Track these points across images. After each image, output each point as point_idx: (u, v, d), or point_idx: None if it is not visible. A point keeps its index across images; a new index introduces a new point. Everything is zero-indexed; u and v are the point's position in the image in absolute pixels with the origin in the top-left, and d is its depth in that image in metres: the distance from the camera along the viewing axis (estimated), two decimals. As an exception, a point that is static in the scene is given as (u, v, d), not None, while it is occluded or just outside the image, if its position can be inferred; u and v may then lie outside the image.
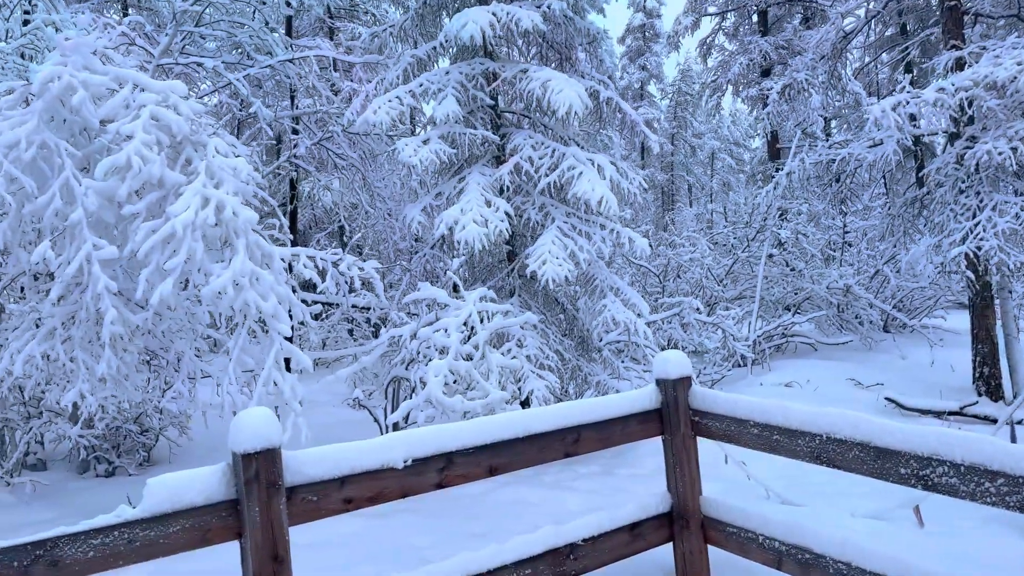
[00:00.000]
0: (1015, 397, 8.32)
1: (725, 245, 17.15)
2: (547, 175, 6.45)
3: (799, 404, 3.39)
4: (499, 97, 7.31)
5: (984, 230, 7.44)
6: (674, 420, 3.84)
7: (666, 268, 15.77)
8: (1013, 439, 5.48)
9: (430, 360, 4.80)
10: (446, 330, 4.71)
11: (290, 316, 4.53)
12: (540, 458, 3.47)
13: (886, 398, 9.09)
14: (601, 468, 6.62)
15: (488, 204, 6.14)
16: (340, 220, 12.47)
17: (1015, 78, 6.97)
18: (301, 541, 4.62)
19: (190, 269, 4.20)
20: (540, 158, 6.62)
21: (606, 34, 7.93)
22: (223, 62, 8.45)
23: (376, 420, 6.60)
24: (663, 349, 12.15)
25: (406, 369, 5.31)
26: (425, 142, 6.32)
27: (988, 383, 9.43)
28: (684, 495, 3.84)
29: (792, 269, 14.98)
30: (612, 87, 7.77)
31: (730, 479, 5.95)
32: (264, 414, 2.66)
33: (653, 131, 38.09)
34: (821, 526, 3.48)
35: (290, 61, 8.59)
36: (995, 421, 8.14)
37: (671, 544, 3.89)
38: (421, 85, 6.66)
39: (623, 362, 10.03)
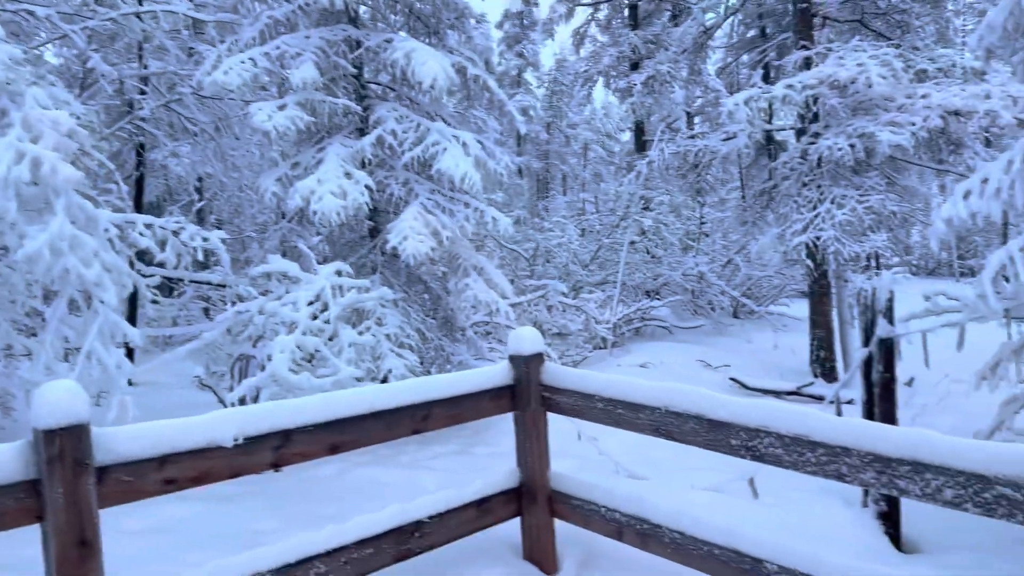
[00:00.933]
0: (845, 378, 8.99)
1: (592, 232, 17.59)
2: (411, 149, 6.31)
3: (644, 380, 3.46)
4: (364, 67, 7.07)
5: (823, 221, 7.96)
6: (525, 396, 3.84)
7: (535, 252, 15.97)
8: (838, 415, 5.90)
9: (279, 336, 4.58)
10: (295, 304, 4.50)
11: (135, 294, 4.18)
12: (387, 435, 3.37)
13: (731, 379, 9.60)
14: (460, 447, 6.59)
15: (348, 176, 5.93)
16: (193, 192, 11.77)
17: (855, 79, 7.47)
18: (128, 527, 4.31)
19: (2, 231, 3.77)
20: (404, 132, 6.46)
21: (476, 12, 7.85)
22: (58, 12, 7.71)
23: (222, 401, 6.28)
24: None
25: (254, 346, 5.06)
26: (281, 108, 6.02)
27: (823, 365, 10.15)
28: (533, 470, 3.85)
29: (652, 256, 15.56)
30: (481, 66, 7.70)
31: (583, 456, 6.06)
32: (69, 387, 2.41)
33: (529, 119, 38.45)
34: (661, 498, 3.58)
35: (136, 16, 7.95)
36: (828, 401, 8.77)
37: (519, 519, 3.90)
38: (278, 48, 6.33)
39: (489, 343, 10.05)
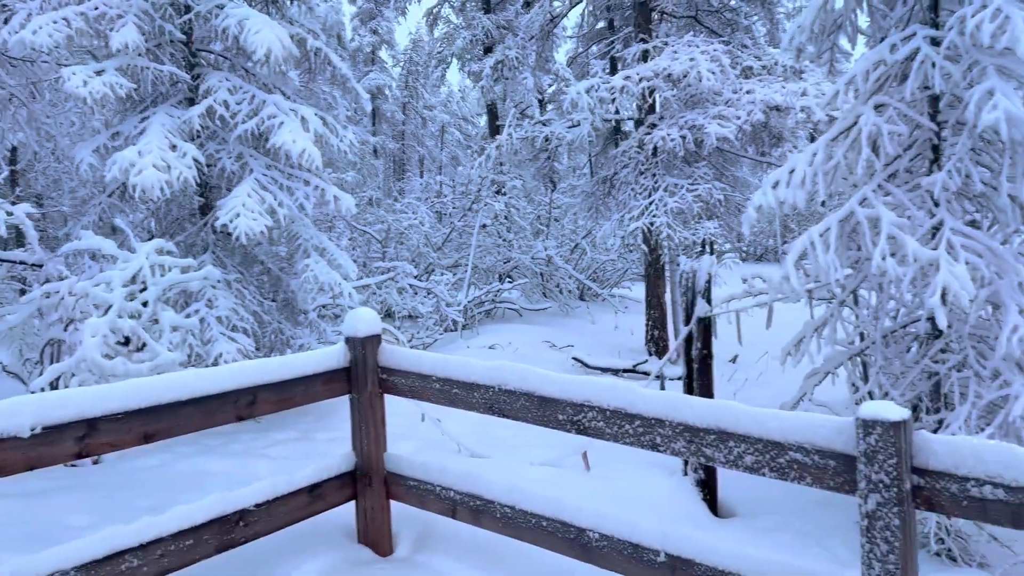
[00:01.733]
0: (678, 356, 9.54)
1: (446, 215, 17.58)
2: (245, 122, 6.01)
3: (478, 360, 3.51)
4: (194, 33, 6.65)
5: (657, 208, 8.38)
6: (362, 378, 3.78)
7: (387, 234, 15.75)
8: (662, 389, 6.24)
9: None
10: (108, 284, 4.18)
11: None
12: (209, 422, 3.21)
13: (573, 358, 9.93)
14: (299, 433, 6.41)
15: (173, 148, 5.56)
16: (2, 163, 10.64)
17: (687, 73, 7.88)
18: (-90, 533, 3.87)
19: None
20: (238, 103, 6.14)
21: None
22: None
23: (32, 391, 5.74)
24: (379, 314, 12.14)
25: (64, 330, 4.65)
26: (99, 72, 5.54)
27: (657, 344, 10.71)
28: (369, 453, 3.81)
29: (504, 240, 15.79)
30: (324, 39, 7.45)
31: (426, 437, 6.08)
32: None
33: (384, 98, 37.69)
34: (495, 475, 3.65)
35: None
36: (665, 377, 9.28)
37: (354, 502, 3.85)
38: (96, 8, 5.82)
39: (336, 327, 9.82)
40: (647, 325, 10.86)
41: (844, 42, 4.64)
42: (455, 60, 23.13)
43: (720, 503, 4.80)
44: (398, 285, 11.73)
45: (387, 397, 3.84)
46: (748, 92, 8.23)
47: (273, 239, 6.85)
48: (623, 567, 3.06)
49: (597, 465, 5.30)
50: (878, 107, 3.99)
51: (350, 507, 3.87)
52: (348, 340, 3.79)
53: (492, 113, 21.81)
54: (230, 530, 3.27)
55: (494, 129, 22.54)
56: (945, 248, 3.59)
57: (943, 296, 3.48)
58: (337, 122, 7.00)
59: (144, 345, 4.36)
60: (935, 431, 4.20)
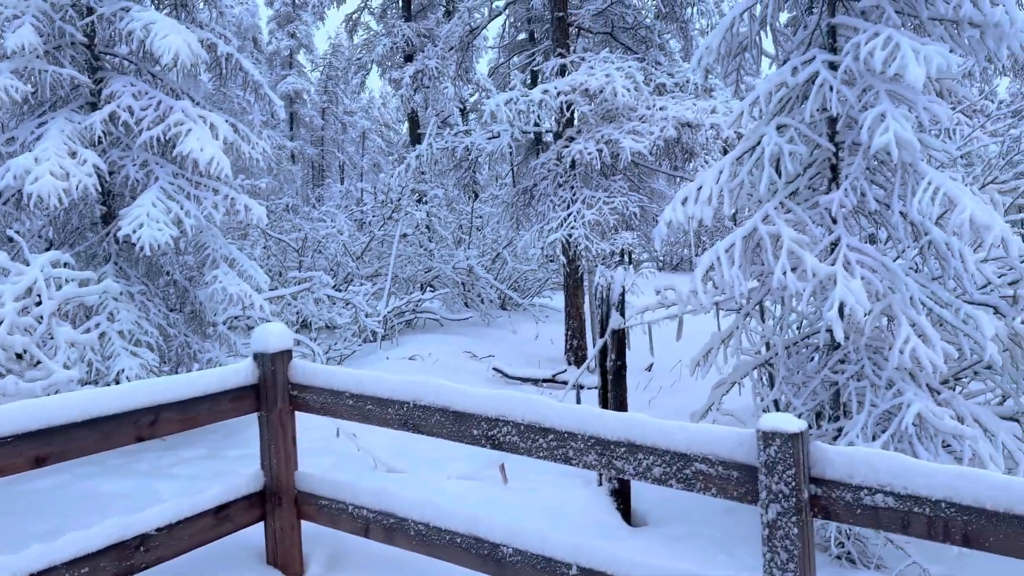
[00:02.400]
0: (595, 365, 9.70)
1: (367, 223, 17.34)
2: (150, 128, 5.79)
3: (393, 375, 3.47)
4: (97, 36, 6.37)
5: (575, 220, 8.50)
6: (271, 396, 3.69)
7: (304, 242, 15.43)
8: (578, 400, 6.33)
9: (-19, 335, 3.99)
10: (-1, 298, 3.95)
11: None
12: (106, 444, 3.07)
13: (494, 368, 9.95)
14: (208, 450, 6.20)
15: (73, 155, 5.30)
16: None
17: (603, 88, 8.03)
18: None
19: None
20: (143, 109, 5.91)
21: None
22: None
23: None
24: (296, 325, 11.87)
25: (-51, 347, 4.35)
26: (-9, 74, 5.24)
27: (576, 354, 10.84)
28: (278, 472, 3.71)
29: (425, 249, 15.69)
30: (236, 44, 7.26)
31: (342, 453, 5.97)
32: None
33: (303, 103, 36.93)
34: (408, 491, 3.61)
35: None
36: (581, 387, 9.40)
37: (263, 523, 3.75)
38: (-11, 6, 5.51)
39: (247, 340, 9.54)
40: (566, 335, 10.98)
41: (750, 64, 4.82)
42: (375, 67, 22.92)
43: (633, 512, 4.89)
44: (315, 295, 11.50)
45: (300, 413, 3.75)
46: (661, 109, 8.46)
47: (180, 249, 6.61)
48: (537, 582, 3.07)
49: (515, 477, 5.31)
50: (780, 127, 4.17)
51: (259, 528, 3.76)
52: (257, 356, 3.69)
53: (413, 121, 21.71)
54: (129, 556, 3.13)
55: (415, 137, 22.43)
56: (842, 264, 3.77)
57: (840, 310, 3.65)
58: (250, 128, 6.84)
59: (38, 363, 4.13)
60: (835, 439, 4.39)
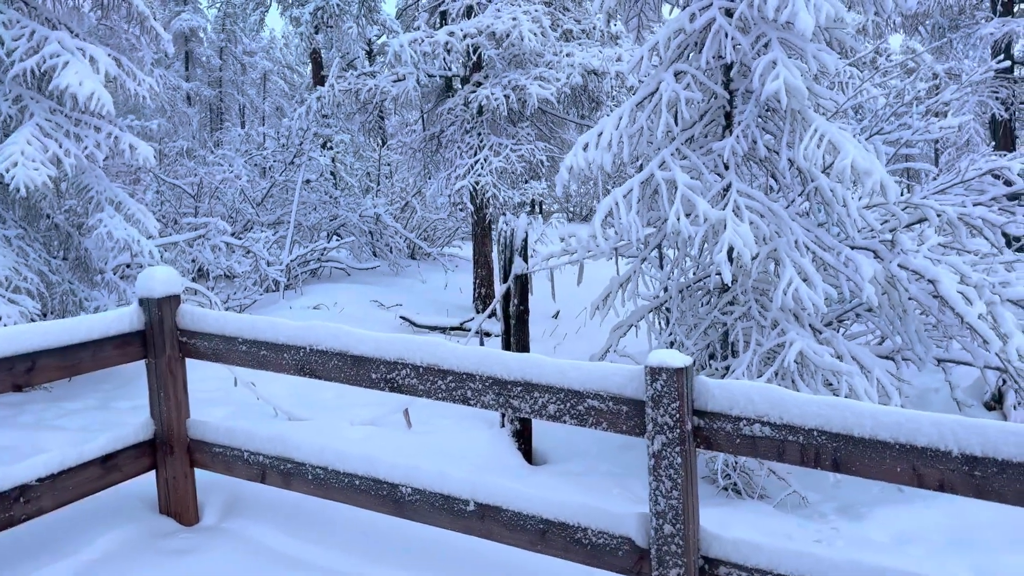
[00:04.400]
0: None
1: (268, 169, 16.71)
2: (23, 60, 5.35)
3: (288, 320, 3.40)
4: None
5: (482, 167, 8.45)
6: (159, 342, 3.55)
7: (199, 188, 14.76)
8: (481, 345, 6.38)
9: None
10: None
11: None
12: (-24, 393, 2.90)
13: (401, 316, 9.91)
14: (99, 402, 5.96)
15: (-68, 87, 4.85)
16: None
17: (510, 32, 7.93)
18: None
19: None
20: (15, 39, 5.45)
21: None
22: None
23: None
24: (192, 274, 11.42)
25: None
26: None
27: (485, 302, 10.90)
28: (169, 420, 3.60)
29: (331, 197, 15.29)
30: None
31: (240, 403, 5.85)
32: None
33: (199, 41, 34.92)
34: (307, 437, 3.58)
35: None
36: (488, 334, 9.47)
37: (155, 472, 3.64)
38: None
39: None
40: (475, 283, 11.00)
41: (652, 10, 4.85)
42: (275, 3, 21.83)
43: (535, 451, 5.01)
44: (211, 243, 11.07)
45: (195, 362, 3.64)
46: (568, 55, 8.44)
47: (61, 191, 6.22)
48: (435, 519, 3.11)
49: (419, 422, 5.34)
50: (678, 74, 4.23)
51: (152, 478, 3.66)
52: (142, 301, 3.54)
53: (316, 62, 20.88)
54: (8, 508, 3.00)
55: (318, 79, 21.60)
56: (732, 209, 3.90)
57: (729, 253, 3.78)
58: (139, 65, 6.44)
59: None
60: (723, 377, 4.60)
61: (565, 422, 2.88)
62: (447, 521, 3.09)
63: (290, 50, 44.38)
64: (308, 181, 14.61)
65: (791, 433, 2.50)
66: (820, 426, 2.46)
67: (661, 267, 5.67)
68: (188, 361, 3.66)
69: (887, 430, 2.36)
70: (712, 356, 5.09)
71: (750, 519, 4.08)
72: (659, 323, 5.14)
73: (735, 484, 4.55)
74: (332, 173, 15.56)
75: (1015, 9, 12.60)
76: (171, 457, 3.59)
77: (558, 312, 10.81)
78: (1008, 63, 12.59)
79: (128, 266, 9.55)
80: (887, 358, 5.92)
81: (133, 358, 3.54)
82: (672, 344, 5.04)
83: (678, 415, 2.59)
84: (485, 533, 3.01)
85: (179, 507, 3.61)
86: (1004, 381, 5.95)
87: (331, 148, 15.48)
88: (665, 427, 2.62)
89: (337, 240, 14.58)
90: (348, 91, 9.76)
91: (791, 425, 2.50)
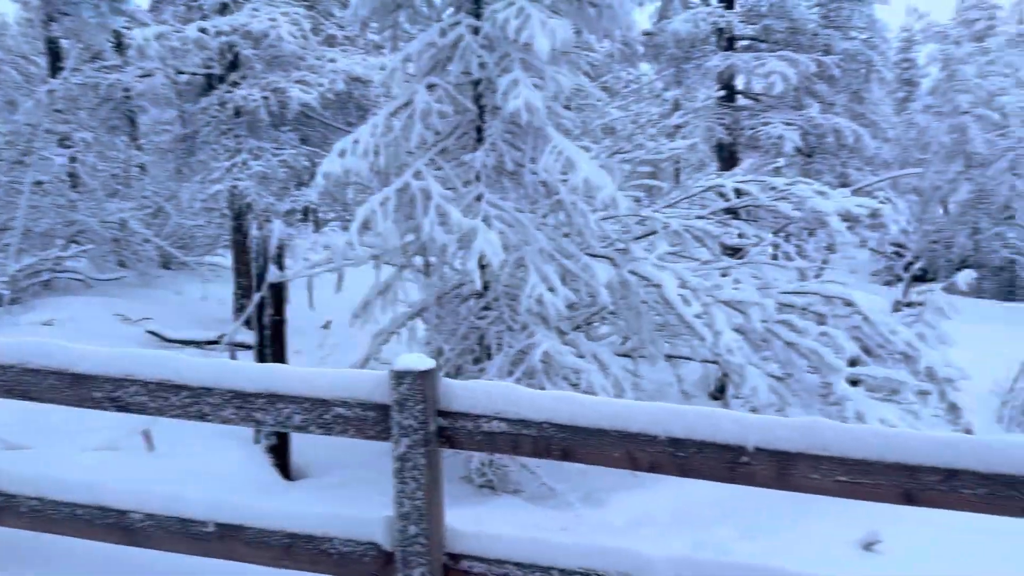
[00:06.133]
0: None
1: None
2: None
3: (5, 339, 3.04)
4: None
5: (240, 171, 8.07)
6: None
7: (-102, 188, 12.59)
8: (233, 358, 6.11)
9: None
10: None
11: None
12: None
13: (148, 331, 9.18)
14: None
15: None
16: None
17: (268, 33, 7.65)
18: None
19: None
20: None
21: None
22: None
23: None
24: None
25: None
26: None
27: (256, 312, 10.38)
28: None
29: (68, 201, 13.73)
30: None
31: (-55, 433, 5.08)
32: None
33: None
34: (28, 467, 3.22)
35: None
36: (249, 347, 9.04)
37: None
38: None
39: None
40: (235, 294, 10.44)
41: (406, 23, 4.93)
42: (1, -17, 19.25)
43: (293, 466, 4.87)
44: (-87, 251, 9.49)
45: None
46: (331, 60, 8.32)
47: None
48: (172, 544, 2.93)
49: (165, 443, 4.97)
50: (431, 87, 4.35)
51: None
52: None
53: (54, 53, 18.69)
54: None
55: (55, 71, 19.35)
56: (483, 218, 4.08)
57: (481, 260, 3.95)
58: None
59: None
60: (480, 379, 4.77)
61: (312, 432, 2.84)
62: (185, 546, 2.91)
63: (27, 39, 39.36)
64: (40, 183, 13.02)
65: (525, 427, 2.66)
66: (550, 419, 2.64)
67: (428, 275, 5.77)
68: None
69: (607, 419, 2.59)
70: (477, 360, 5.26)
71: (504, 514, 4.26)
72: (421, 329, 5.22)
73: (491, 481, 4.74)
74: (70, 174, 13.99)
75: (736, 46, 14.38)
76: None
77: (329, 322, 10.57)
78: (726, 93, 14.37)
79: None
80: (628, 356, 6.49)
81: None
82: (439, 351, 5.14)
83: (423, 417, 2.65)
84: (227, 554, 2.89)
85: None
86: (724, 373, 6.76)
87: (69, 146, 13.90)
88: (410, 429, 2.67)
89: (76, 248, 13.12)
90: (87, 84, 8.84)
91: (525, 419, 2.66)
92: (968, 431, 5.87)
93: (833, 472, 2.37)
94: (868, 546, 3.88)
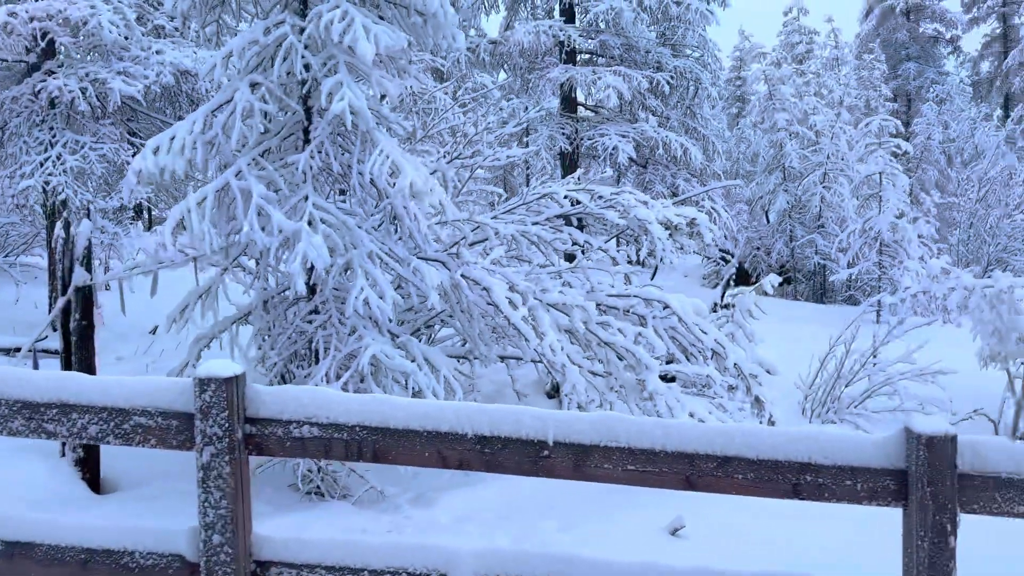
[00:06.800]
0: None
1: None
2: None
3: None
4: None
5: (54, 165, 7.47)
6: None
7: None
8: (36, 365, 5.70)
9: None
10: None
11: None
12: None
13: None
14: None
15: None
16: None
17: (87, 20, 7.14)
18: None
19: None
20: None
21: None
22: None
23: None
24: None
25: None
26: None
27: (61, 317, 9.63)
28: None
29: None
30: None
31: None
32: None
33: None
34: None
35: None
36: (58, 352, 8.37)
37: None
38: None
39: None
40: (51, 297, 9.63)
41: (232, 19, 4.78)
42: None
43: (104, 479, 4.59)
44: None
45: None
46: (158, 52, 7.88)
47: None
48: (-52, 570, 2.70)
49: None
50: (254, 85, 4.25)
51: None
52: None
53: None
54: None
55: None
56: (307, 221, 4.03)
57: (304, 263, 3.90)
58: None
59: None
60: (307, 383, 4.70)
61: (109, 443, 2.73)
62: (-37, 570, 2.70)
63: None
64: None
65: (337, 431, 2.68)
66: (362, 421, 2.67)
67: (258, 277, 5.60)
68: None
69: (418, 420, 2.66)
70: (305, 365, 5.17)
71: (331, 519, 4.23)
72: (252, 335, 5.07)
73: (318, 487, 4.68)
74: None
75: (577, 59, 14.93)
76: None
77: (156, 328, 10.00)
78: (568, 104, 14.90)
79: None
80: (466, 358, 6.60)
81: None
82: (266, 357, 5.01)
83: (228, 424, 2.60)
84: (16, 574, 2.70)
85: None
86: (548, 372, 7.00)
87: None
88: (214, 438, 2.61)
89: None
90: None
91: (337, 423, 2.67)
92: (771, 422, 6.44)
93: (623, 462, 2.55)
94: (674, 532, 4.18)
